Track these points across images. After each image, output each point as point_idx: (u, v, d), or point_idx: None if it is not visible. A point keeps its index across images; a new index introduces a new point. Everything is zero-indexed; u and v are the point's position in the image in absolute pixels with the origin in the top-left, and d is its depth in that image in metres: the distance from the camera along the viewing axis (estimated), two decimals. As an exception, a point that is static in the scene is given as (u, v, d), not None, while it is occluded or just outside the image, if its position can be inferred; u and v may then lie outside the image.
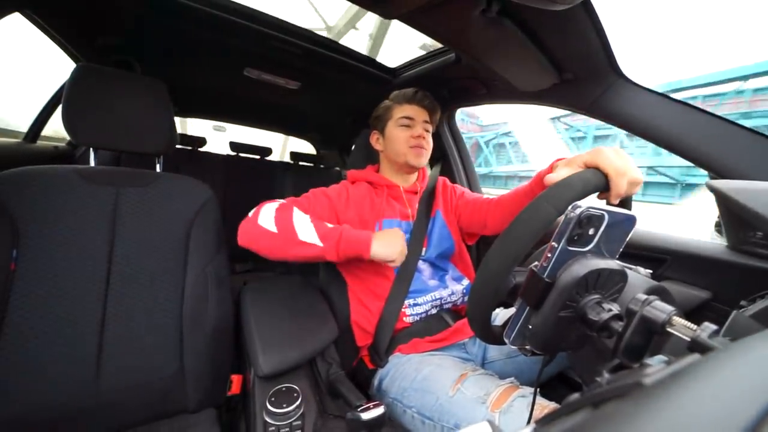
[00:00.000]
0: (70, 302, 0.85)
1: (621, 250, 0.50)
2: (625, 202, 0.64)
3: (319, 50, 1.40)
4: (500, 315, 1.03)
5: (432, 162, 1.68)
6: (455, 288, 1.14)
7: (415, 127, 1.15)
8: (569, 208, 0.45)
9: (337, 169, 2.98)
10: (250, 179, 2.53)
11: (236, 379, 1.03)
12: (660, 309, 0.38)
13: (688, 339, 0.34)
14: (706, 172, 0.90)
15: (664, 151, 0.97)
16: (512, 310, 0.51)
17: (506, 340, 0.51)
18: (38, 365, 0.81)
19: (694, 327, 0.34)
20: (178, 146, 1.86)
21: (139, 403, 0.91)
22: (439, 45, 1.32)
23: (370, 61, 1.57)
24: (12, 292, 0.80)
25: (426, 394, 0.86)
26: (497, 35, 0.87)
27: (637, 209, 0.62)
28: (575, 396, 0.29)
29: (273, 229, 0.92)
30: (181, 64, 1.61)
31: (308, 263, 1.00)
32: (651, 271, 0.59)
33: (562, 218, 0.46)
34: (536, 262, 0.47)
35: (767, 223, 0.68)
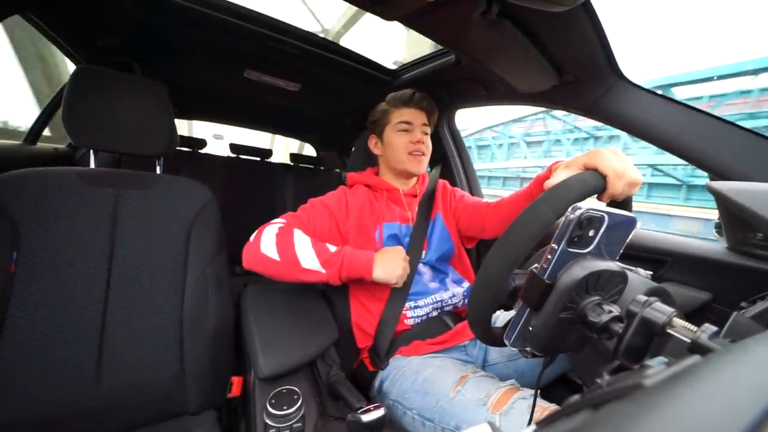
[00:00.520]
0: (71, 304, 0.85)
1: (621, 251, 0.50)
2: (626, 204, 0.64)
3: (318, 51, 1.40)
4: (501, 317, 1.03)
5: (432, 163, 1.68)
6: (456, 290, 1.14)
7: (414, 131, 1.14)
8: (569, 209, 0.45)
9: (337, 170, 2.98)
10: (251, 181, 2.54)
11: (236, 381, 1.03)
12: (660, 310, 0.38)
13: (689, 340, 0.34)
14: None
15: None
16: (513, 313, 0.51)
17: (507, 342, 0.51)
18: (38, 367, 0.81)
19: (695, 328, 0.34)
20: (178, 148, 1.86)
21: (140, 404, 0.91)
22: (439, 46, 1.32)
23: (369, 63, 1.57)
24: (12, 294, 0.80)
25: (427, 395, 0.86)
26: (497, 37, 0.87)
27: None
28: (576, 397, 0.29)
29: (275, 256, 0.92)
30: (181, 66, 1.61)
31: None
32: (651, 273, 0.59)
33: (562, 220, 0.46)
34: (536, 264, 0.47)
35: (767, 225, 0.68)
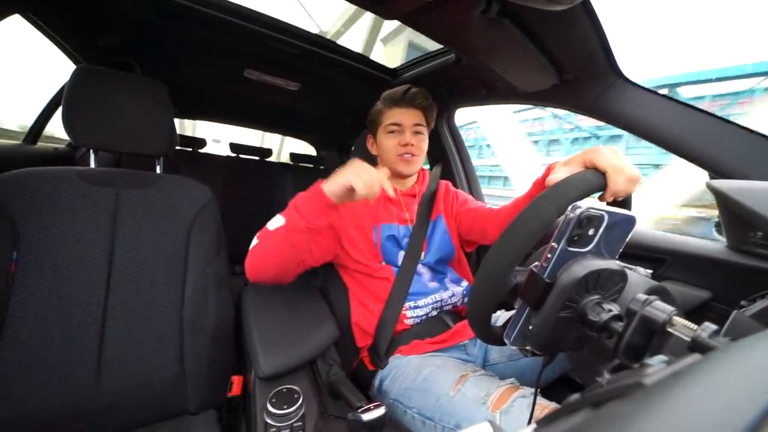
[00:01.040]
0: (71, 304, 0.85)
1: (621, 250, 0.50)
2: (625, 202, 0.64)
3: (318, 51, 1.40)
4: (501, 317, 1.03)
5: (432, 162, 1.68)
6: (455, 290, 1.14)
7: (404, 133, 1.11)
8: (569, 208, 0.45)
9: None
10: (250, 180, 2.53)
11: (237, 381, 1.03)
12: (660, 309, 0.38)
13: (689, 339, 0.34)
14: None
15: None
16: (513, 312, 0.51)
17: (506, 341, 0.51)
18: (38, 367, 0.81)
19: (695, 327, 0.34)
20: (178, 147, 1.86)
21: (140, 404, 0.91)
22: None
23: (369, 62, 1.57)
24: (12, 294, 0.80)
25: (426, 394, 0.86)
26: (497, 36, 0.87)
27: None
28: (576, 396, 0.29)
29: (255, 242, 0.89)
30: (181, 66, 1.61)
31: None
32: (651, 271, 0.59)
33: (561, 219, 0.46)
34: (536, 263, 0.47)
35: (767, 223, 0.68)
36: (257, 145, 2.83)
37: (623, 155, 0.63)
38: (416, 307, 1.07)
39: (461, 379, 0.84)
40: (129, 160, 1.72)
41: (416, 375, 0.92)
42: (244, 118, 2.68)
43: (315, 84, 1.73)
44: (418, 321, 1.07)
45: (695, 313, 0.91)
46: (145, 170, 1.05)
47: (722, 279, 0.89)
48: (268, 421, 0.74)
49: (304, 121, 2.54)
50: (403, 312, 1.05)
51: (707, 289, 0.91)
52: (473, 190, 1.76)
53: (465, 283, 1.18)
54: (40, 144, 1.79)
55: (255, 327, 0.95)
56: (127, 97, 1.00)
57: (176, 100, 1.12)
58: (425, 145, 1.17)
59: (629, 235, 0.49)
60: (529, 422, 0.60)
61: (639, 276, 0.55)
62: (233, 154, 2.64)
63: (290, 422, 0.74)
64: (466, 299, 1.14)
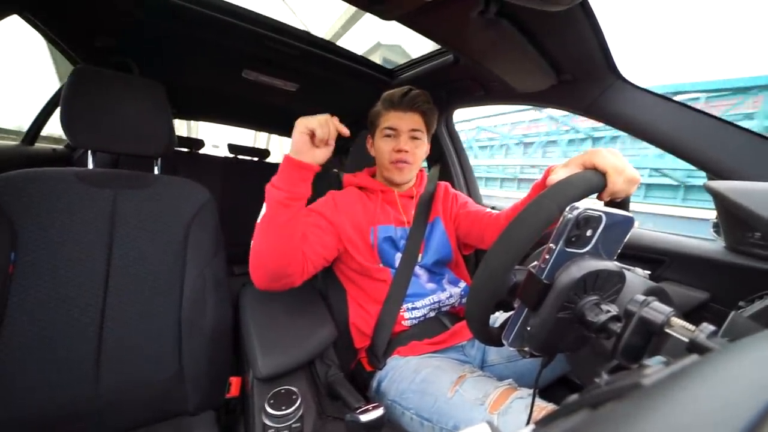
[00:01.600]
0: (69, 304, 0.85)
1: (619, 251, 0.50)
2: (624, 203, 0.64)
3: (316, 51, 1.40)
4: (500, 319, 1.03)
5: (430, 163, 1.68)
6: (453, 291, 1.13)
7: (399, 138, 1.09)
8: (567, 209, 0.45)
9: (335, 171, 2.97)
10: (248, 181, 2.53)
11: (235, 382, 1.03)
12: (658, 310, 0.38)
13: (687, 340, 0.34)
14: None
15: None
16: (511, 313, 0.51)
17: (504, 342, 0.51)
18: (37, 367, 0.81)
19: (693, 328, 0.34)
20: (176, 148, 1.86)
21: (138, 405, 0.91)
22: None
23: (367, 63, 1.57)
24: (11, 295, 0.80)
25: (424, 395, 0.86)
26: (495, 36, 0.88)
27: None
28: (574, 397, 0.29)
29: (254, 244, 0.87)
30: (179, 66, 1.60)
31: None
32: (649, 272, 0.59)
33: (560, 220, 0.46)
34: (535, 263, 0.47)
35: (765, 224, 0.68)
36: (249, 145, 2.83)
37: (622, 156, 0.63)
38: (414, 309, 1.06)
39: (459, 380, 0.84)
40: (127, 161, 1.72)
41: (414, 376, 0.92)
42: (243, 118, 2.67)
43: (313, 84, 1.73)
44: (416, 322, 1.07)
45: (693, 314, 0.91)
46: (143, 171, 1.05)
47: (720, 280, 0.90)
48: (267, 422, 0.74)
49: None
50: (401, 313, 1.05)
51: (705, 290, 0.91)
52: (471, 191, 1.76)
53: (463, 284, 1.18)
54: (38, 145, 1.79)
55: (253, 328, 0.95)
56: (125, 98, 0.99)
57: (174, 101, 1.12)
58: (422, 151, 1.14)
59: (627, 236, 0.49)
60: (528, 423, 0.60)
61: (637, 277, 0.55)
62: (231, 155, 2.64)
63: (288, 423, 0.74)
64: (464, 300, 1.14)
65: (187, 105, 2.19)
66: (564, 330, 0.47)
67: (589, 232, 0.46)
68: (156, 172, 1.12)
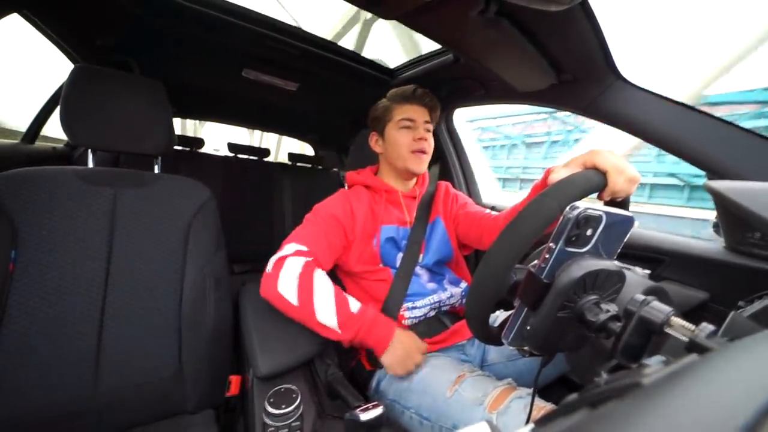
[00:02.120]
0: (69, 303, 0.85)
1: (619, 250, 0.50)
2: (623, 203, 0.65)
3: (316, 51, 1.40)
4: (500, 318, 1.03)
5: (430, 162, 1.68)
6: (453, 291, 1.13)
7: (417, 128, 1.12)
8: (567, 208, 0.45)
9: (336, 170, 2.97)
10: (249, 180, 2.53)
11: (235, 380, 1.03)
12: (658, 309, 0.38)
13: (686, 339, 0.34)
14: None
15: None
16: (511, 312, 0.51)
17: (504, 341, 0.51)
18: (37, 366, 0.81)
19: (692, 327, 0.34)
20: (176, 147, 1.86)
21: (138, 403, 0.91)
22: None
23: (368, 62, 1.57)
24: (11, 293, 0.80)
25: (424, 395, 0.86)
26: (495, 36, 0.87)
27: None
28: (573, 396, 0.29)
29: (294, 301, 0.88)
30: (179, 65, 1.60)
31: None
32: (649, 272, 0.59)
33: (560, 219, 0.46)
34: (535, 262, 0.47)
35: (765, 224, 0.68)
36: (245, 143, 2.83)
37: (622, 156, 0.63)
38: (414, 308, 1.06)
39: (458, 379, 0.84)
40: (127, 160, 1.72)
41: (413, 375, 0.92)
42: (243, 117, 2.68)
43: (313, 84, 1.73)
44: (416, 321, 1.07)
45: (693, 314, 0.91)
46: (144, 170, 1.05)
47: (720, 280, 0.89)
48: (266, 420, 0.74)
49: (303, 121, 2.54)
50: (401, 313, 1.05)
51: (705, 289, 0.91)
52: (471, 191, 1.76)
53: (463, 284, 1.18)
54: (38, 143, 1.79)
55: (253, 326, 0.95)
56: (125, 97, 0.99)
57: (174, 100, 1.12)
58: (433, 144, 1.17)
59: (627, 236, 0.49)
60: (527, 422, 0.60)
61: (637, 276, 0.55)
62: (231, 154, 2.64)
63: (288, 422, 0.74)
64: (464, 300, 1.14)
65: (187, 104, 2.19)
66: (564, 329, 0.47)
67: (589, 232, 0.46)
68: (156, 170, 1.12)
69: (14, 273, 0.81)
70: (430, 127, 1.16)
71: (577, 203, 0.45)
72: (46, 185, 0.88)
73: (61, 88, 1.02)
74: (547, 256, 0.45)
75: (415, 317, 1.06)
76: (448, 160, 1.75)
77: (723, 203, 0.77)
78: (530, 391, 0.75)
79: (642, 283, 0.53)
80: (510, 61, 1.02)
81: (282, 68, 1.56)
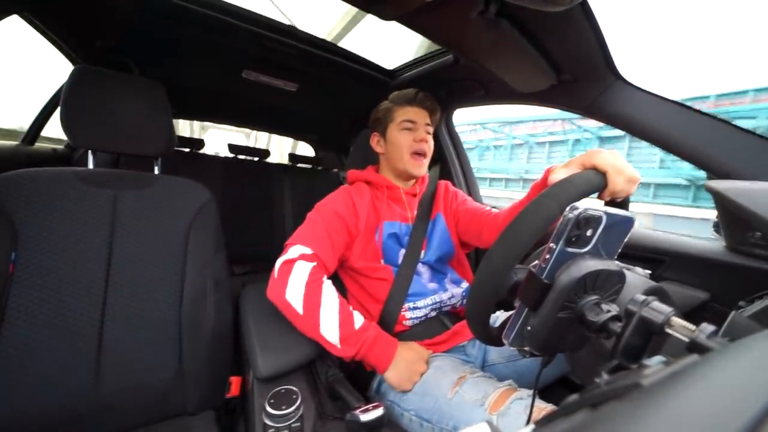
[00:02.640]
0: (69, 304, 0.85)
1: (619, 250, 0.50)
2: (624, 203, 0.65)
3: (316, 52, 1.40)
4: (500, 318, 1.03)
5: (430, 163, 1.68)
6: (455, 291, 1.13)
7: (418, 130, 1.14)
8: (567, 209, 0.45)
9: (335, 170, 2.97)
10: (249, 181, 2.53)
11: (235, 381, 1.03)
12: (658, 310, 0.38)
13: (687, 340, 0.34)
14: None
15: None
16: (511, 313, 0.51)
17: (505, 341, 0.51)
18: (37, 368, 0.81)
19: (693, 328, 0.34)
20: (176, 148, 1.86)
21: (138, 405, 0.91)
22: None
23: (367, 63, 1.57)
24: (11, 295, 0.80)
25: (424, 396, 0.86)
26: (495, 37, 0.87)
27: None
28: (574, 397, 0.29)
29: (299, 309, 0.89)
30: (179, 66, 1.61)
31: None
32: (649, 272, 0.59)
33: (560, 219, 0.46)
34: (535, 262, 0.47)
35: (765, 224, 0.68)
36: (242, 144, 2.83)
37: (622, 157, 0.64)
38: (415, 308, 1.06)
39: (459, 381, 0.84)
40: (127, 161, 1.72)
41: (415, 378, 0.92)
42: (243, 118, 2.68)
43: (313, 85, 1.73)
44: (417, 322, 1.07)
45: (693, 314, 0.91)
46: (144, 171, 1.05)
47: (720, 280, 0.89)
48: (267, 421, 0.73)
49: (303, 121, 2.54)
50: (402, 313, 1.05)
51: (705, 289, 0.91)
52: (472, 191, 1.76)
53: (465, 284, 1.18)
54: (38, 145, 1.79)
55: (253, 327, 0.95)
56: (125, 98, 0.99)
57: (174, 101, 1.12)
58: (432, 146, 1.19)
59: (627, 236, 0.49)
60: (528, 423, 0.60)
61: (637, 276, 0.55)
62: (231, 155, 2.64)
63: (289, 423, 0.74)
64: (465, 300, 1.14)
65: (187, 105, 2.19)
66: (564, 330, 0.47)
67: (589, 232, 0.46)
68: (156, 171, 1.12)
69: (14, 274, 0.81)
70: (431, 129, 1.18)
71: (577, 203, 0.45)
72: (47, 186, 0.88)
73: (61, 89, 1.02)
74: (547, 256, 0.45)
75: (416, 318, 1.06)
76: (448, 161, 1.75)
77: (723, 203, 0.77)
78: (531, 392, 0.75)
79: (642, 283, 0.53)
80: (510, 61, 1.02)
81: (282, 69, 1.56)
